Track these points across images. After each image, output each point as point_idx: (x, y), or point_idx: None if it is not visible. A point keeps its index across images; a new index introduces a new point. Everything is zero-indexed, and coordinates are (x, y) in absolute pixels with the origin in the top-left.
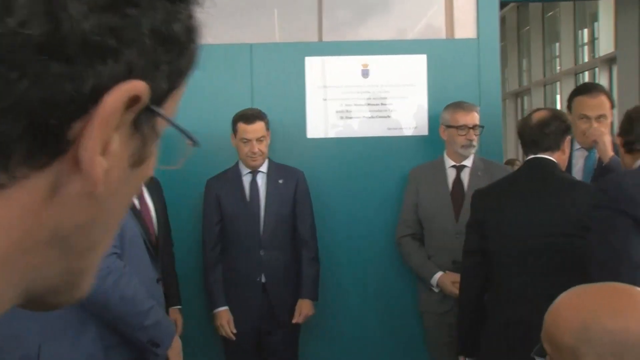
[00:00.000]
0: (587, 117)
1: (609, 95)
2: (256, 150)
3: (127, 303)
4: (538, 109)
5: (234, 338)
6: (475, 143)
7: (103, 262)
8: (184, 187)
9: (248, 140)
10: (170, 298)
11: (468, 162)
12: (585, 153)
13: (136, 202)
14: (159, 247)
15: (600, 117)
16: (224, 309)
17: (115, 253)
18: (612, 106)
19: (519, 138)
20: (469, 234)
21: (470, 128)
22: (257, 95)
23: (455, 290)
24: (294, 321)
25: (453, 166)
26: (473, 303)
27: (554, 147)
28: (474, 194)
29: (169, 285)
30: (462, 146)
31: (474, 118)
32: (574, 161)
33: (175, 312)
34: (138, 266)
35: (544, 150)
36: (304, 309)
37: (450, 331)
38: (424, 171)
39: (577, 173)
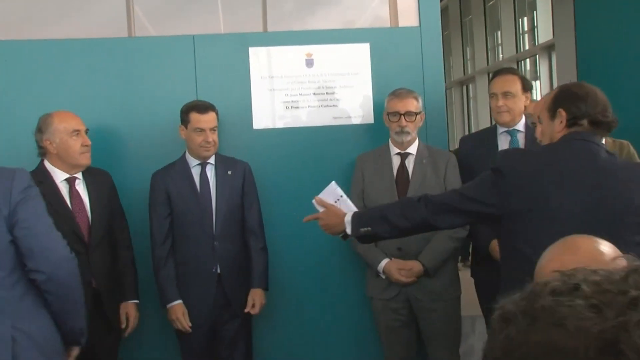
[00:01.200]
0: (495, 94)
1: (522, 78)
2: (210, 139)
3: (78, 290)
4: None
5: (190, 330)
6: (408, 129)
7: (66, 247)
8: (128, 181)
9: (202, 130)
10: (125, 292)
11: (412, 150)
12: (509, 137)
13: (67, 197)
14: (90, 242)
15: (506, 94)
16: (177, 302)
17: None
18: (526, 88)
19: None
20: None
21: (402, 115)
22: (201, 87)
23: (400, 277)
24: (249, 311)
25: (398, 153)
26: None
27: None
28: None
29: (124, 279)
30: (395, 132)
31: (407, 105)
32: (499, 144)
33: (128, 306)
34: None
35: None
36: (257, 298)
37: (397, 316)
38: (369, 158)
39: None
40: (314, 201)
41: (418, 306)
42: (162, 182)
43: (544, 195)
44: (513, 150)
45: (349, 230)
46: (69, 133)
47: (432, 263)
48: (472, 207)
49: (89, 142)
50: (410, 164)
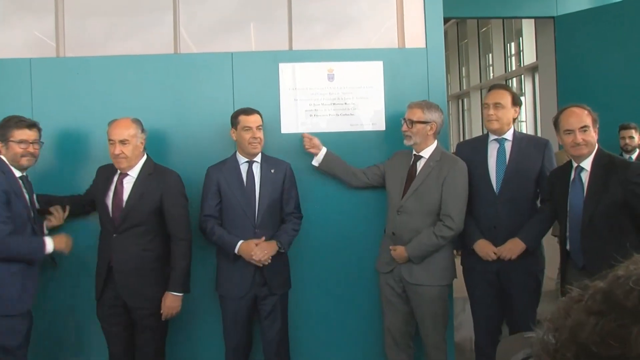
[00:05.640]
0: (487, 104)
1: (513, 93)
2: (257, 136)
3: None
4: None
5: (265, 258)
6: (408, 134)
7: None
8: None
9: (250, 128)
10: (171, 282)
11: (425, 154)
12: (497, 145)
13: (111, 191)
14: (118, 226)
15: (497, 105)
16: (243, 242)
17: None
18: (515, 102)
19: None
20: None
21: (405, 121)
22: (238, 96)
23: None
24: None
25: (414, 155)
26: None
27: None
28: None
29: (172, 269)
30: (404, 137)
31: (410, 114)
32: (489, 150)
33: (167, 296)
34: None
35: None
36: (266, 246)
37: (392, 290)
38: (394, 157)
39: (492, 164)
40: None
41: (408, 288)
42: (214, 175)
43: None
44: None
45: None
46: (108, 141)
47: (413, 252)
48: None
49: (117, 152)
50: (420, 165)
